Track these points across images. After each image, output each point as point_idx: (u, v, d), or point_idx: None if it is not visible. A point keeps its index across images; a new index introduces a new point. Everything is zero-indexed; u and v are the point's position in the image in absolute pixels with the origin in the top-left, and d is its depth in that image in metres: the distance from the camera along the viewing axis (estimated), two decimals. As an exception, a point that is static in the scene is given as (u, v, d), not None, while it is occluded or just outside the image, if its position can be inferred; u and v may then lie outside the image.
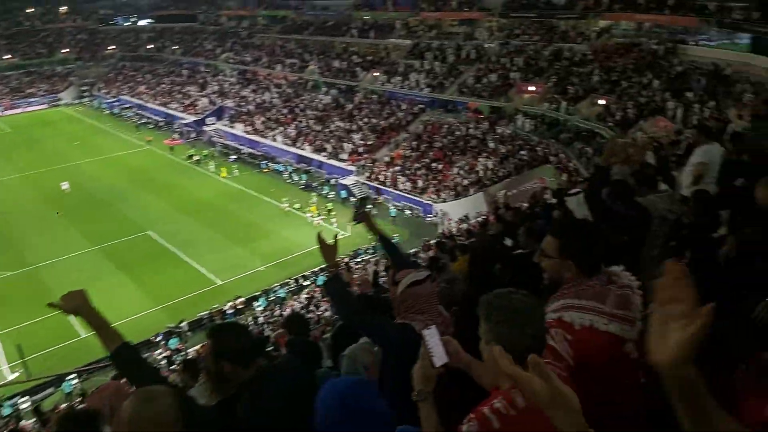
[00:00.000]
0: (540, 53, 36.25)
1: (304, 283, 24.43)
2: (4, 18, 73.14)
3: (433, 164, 33.17)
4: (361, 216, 3.41)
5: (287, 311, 20.20)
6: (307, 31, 54.34)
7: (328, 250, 3.16)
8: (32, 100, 62.23)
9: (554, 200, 7.67)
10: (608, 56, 32.72)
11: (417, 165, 33.72)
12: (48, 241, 28.75)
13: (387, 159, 35.56)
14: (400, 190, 32.53)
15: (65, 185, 35.50)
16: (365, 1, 51.46)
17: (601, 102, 29.66)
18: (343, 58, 48.06)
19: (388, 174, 33.97)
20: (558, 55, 35.36)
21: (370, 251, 26.70)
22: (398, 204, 31.96)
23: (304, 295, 22.64)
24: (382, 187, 33.49)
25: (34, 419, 14.76)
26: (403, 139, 36.97)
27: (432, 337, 2.00)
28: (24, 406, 17.52)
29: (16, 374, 19.21)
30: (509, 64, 36.95)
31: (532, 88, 33.98)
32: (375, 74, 44.13)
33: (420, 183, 32.18)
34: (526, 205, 13.86)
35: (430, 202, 30.56)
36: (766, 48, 25.25)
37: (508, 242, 7.28)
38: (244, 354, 2.51)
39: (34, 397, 17.88)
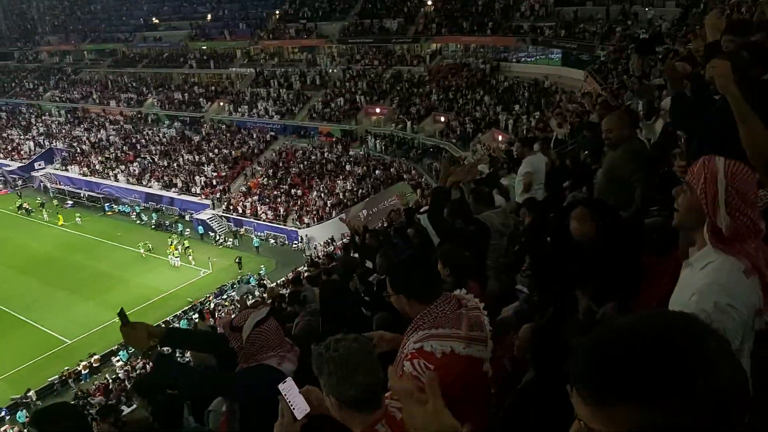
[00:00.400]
0: (381, 76, 37.83)
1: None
2: None
3: (292, 190, 33.04)
4: (128, 328, 2.74)
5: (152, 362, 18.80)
6: (141, 63, 51.36)
7: (134, 336, 2.69)
8: None
9: (407, 219, 8.09)
10: (443, 76, 35.16)
11: (276, 192, 33.36)
12: None
13: (244, 189, 34.73)
14: (262, 220, 31.91)
15: None
16: (201, 31, 49.90)
17: (442, 119, 31.76)
18: (183, 89, 46.13)
19: (247, 204, 33.19)
20: (398, 78, 37.20)
21: (236, 287, 25.83)
22: (261, 234, 31.32)
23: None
24: (243, 218, 32.62)
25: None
26: (259, 167, 36.40)
27: (289, 389, 1.88)
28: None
29: None
30: (354, 88, 38.07)
31: (378, 110, 35.41)
32: (221, 104, 42.99)
33: (281, 210, 31.84)
34: (386, 224, 14.37)
35: (294, 229, 30.35)
36: (573, 61, 28.92)
37: (369, 264, 7.51)
38: None
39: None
